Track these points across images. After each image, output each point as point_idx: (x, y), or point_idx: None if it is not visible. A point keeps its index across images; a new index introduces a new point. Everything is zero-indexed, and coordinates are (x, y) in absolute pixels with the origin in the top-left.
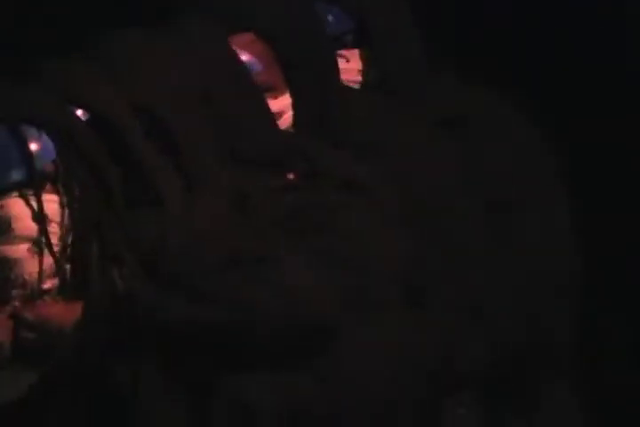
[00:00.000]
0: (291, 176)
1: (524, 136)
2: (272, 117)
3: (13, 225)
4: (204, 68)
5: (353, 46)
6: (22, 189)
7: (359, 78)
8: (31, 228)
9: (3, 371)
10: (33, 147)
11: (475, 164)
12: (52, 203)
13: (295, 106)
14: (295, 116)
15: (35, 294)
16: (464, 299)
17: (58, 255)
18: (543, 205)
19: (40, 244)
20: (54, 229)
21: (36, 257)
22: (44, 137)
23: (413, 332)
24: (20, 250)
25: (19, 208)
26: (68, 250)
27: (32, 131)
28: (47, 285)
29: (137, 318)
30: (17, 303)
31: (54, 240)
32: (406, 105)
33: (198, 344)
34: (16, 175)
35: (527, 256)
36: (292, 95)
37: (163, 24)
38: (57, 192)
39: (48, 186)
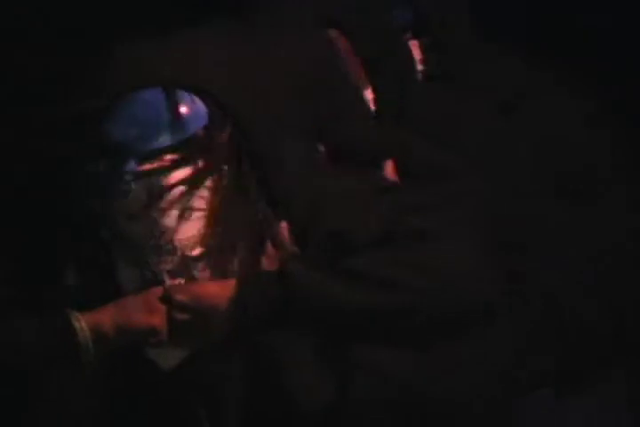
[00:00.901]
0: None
1: (585, 120)
2: (370, 112)
3: (163, 189)
4: (299, 62)
5: (413, 37)
6: (174, 153)
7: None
8: (180, 192)
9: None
10: (185, 111)
11: (539, 148)
12: (201, 168)
13: (378, 100)
14: (378, 111)
15: (183, 262)
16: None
17: (206, 222)
18: (606, 187)
19: (190, 210)
20: (203, 194)
21: (185, 223)
22: (198, 103)
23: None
24: (171, 216)
25: (170, 173)
26: (217, 215)
27: (184, 95)
28: (196, 252)
29: (291, 296)
30: (168, 283)
31: (203, 206)
32: (466, 92)
33: (349, 323)
34: (167, 139)
35: (601, 241)
36: (375, 90)
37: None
38: (207, 158)
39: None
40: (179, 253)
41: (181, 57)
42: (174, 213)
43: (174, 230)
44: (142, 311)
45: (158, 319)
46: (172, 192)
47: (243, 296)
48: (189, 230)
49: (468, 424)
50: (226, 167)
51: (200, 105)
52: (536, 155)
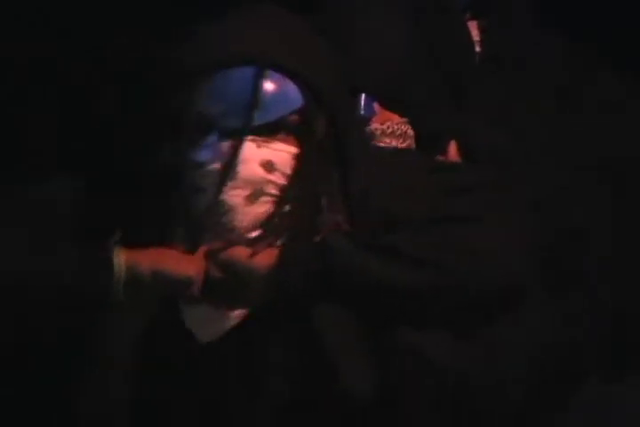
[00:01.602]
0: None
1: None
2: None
3: (239, 167)
4: None
5: (471, 17)
6: (257, 133)
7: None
8: (255, 173)
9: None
10: (274, 92)
11: (591, 135)
12: (284, 153)
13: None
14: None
15: (239, 242)
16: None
17: (272, 207)
18: None
19: (260, 193)
20: (278, 180)
21: (251, 206)
22: (289, 85)
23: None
24: (240, 196)
25: (248, 151)
26: (286, 203)
27: (275, 76)
28: (253, 234)
29: (331, 270)
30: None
31: (274, 190)
32: (523, 75)
33: (388, 302)
34: (254, 119)
35: None
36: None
37: None
38: (292, 143)
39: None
40: (236, 232)
41: (265, 35)
42: (243, 193)
43: (238, 211)
44: (181, 261)
45: (194, 270)
46: (246, 172)
47: (283, 265)
48: (253, 213)
49: (506, 411)
50: (311, 156)
51: (291, 88)
52: (587, 142)
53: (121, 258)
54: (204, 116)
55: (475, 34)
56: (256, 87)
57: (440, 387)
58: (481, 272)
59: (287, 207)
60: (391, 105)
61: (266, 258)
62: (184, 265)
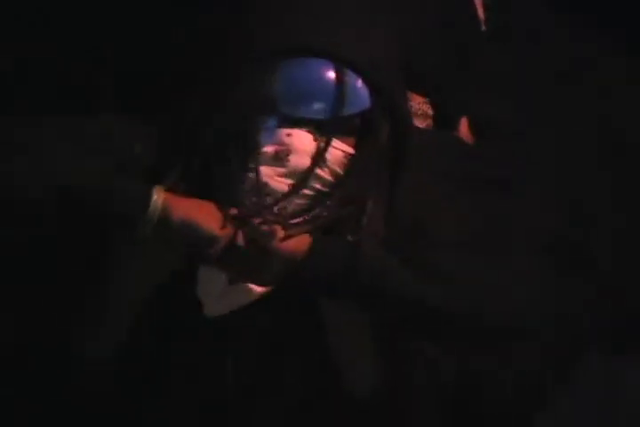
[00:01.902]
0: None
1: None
2: None
3: (290, 156)
4: None
5: None
6: (318, 127)
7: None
8: (304, 165)
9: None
10: (348, 90)
11: (594, 116)
12: (339, 151)
13: None
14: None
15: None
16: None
17: (314, 200)
18: None
19: (303, 185)
20: (325, 175)
21: (293, 194)
22: (363, 86)
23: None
24: (282, 182)
25: (303, 142)
26: (328, 199)
27: (351, 75)
28: (291, 221)
29: (354, 266)
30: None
31: (319, 185)
32: (526, 55)
33: (401, 314)
34: (319, 112)
35: None
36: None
37: None
38: (350, 143)
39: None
40: (275, 216)
41: (345, 30)
42: (288, 181)
43: (277, 197)
44: (213, 218)
45: (222, 231)
46: (295, 162)
47: (310, 255)
48: (294, 202)
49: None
50: (367, 159)
51: (363, 89)
52: (583, 124)
53: (160, 196)
54: (269, 99)
55: (480, 12)
56: (336, 82)
57: (444, 388)
58: (500, 310)
59: (329, 203)
60: (411, 83)
61: (296, 244)
62: (214, 223)
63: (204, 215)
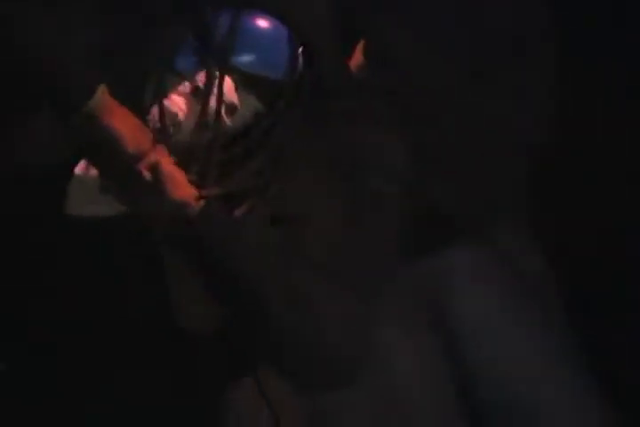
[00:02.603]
0: None
1: None
2: None
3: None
4: None
5: None
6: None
7: None
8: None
9: None
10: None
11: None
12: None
13: None
14: None
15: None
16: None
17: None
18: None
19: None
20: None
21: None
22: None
23: None
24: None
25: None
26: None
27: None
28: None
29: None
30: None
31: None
32: None
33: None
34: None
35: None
36: None
37: None
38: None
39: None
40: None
41: None
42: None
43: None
44: (143, 135)
45: (141, 150)
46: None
47: (198, 211)
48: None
49: None
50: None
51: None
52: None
53: (105, 93)
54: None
55: None
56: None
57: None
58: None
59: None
60: None
61: (190, 197)
62: (142, 139)
63: (131, 128)
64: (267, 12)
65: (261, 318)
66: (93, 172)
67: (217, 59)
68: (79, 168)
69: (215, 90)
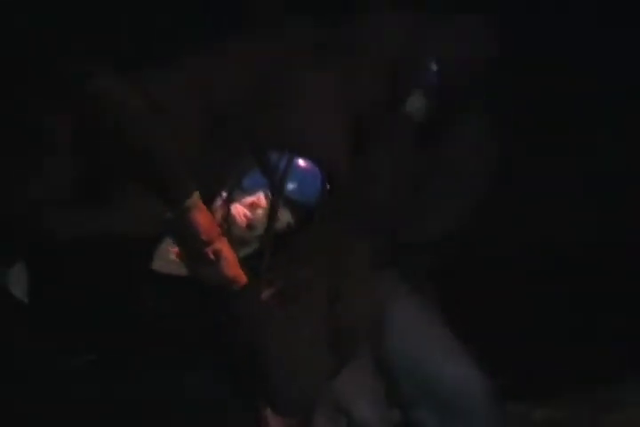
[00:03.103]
0: None
1: None
2: None
3: (258, 210)
4: None
5: None
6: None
7: None
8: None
9: None
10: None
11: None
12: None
13: None
14: None
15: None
16: None
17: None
18: None
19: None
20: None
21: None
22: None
23: None
24: (245, 226)
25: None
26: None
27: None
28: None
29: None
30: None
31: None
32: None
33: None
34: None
35: None
36: None
37: None
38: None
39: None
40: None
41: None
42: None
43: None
44: (214, 231)
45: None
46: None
47: (239, 289)
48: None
49: None
50: None
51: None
52: None
53: (196, 198)
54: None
55: None
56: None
57: None
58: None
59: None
60: None
61: (238, 278)
62: (209, 231)
63: (210, 222)
64: (308, 157)
65: (258, 371)
66: (170, 250)
67: (273, 186)
68: (160, 250)
69: (269, 206)
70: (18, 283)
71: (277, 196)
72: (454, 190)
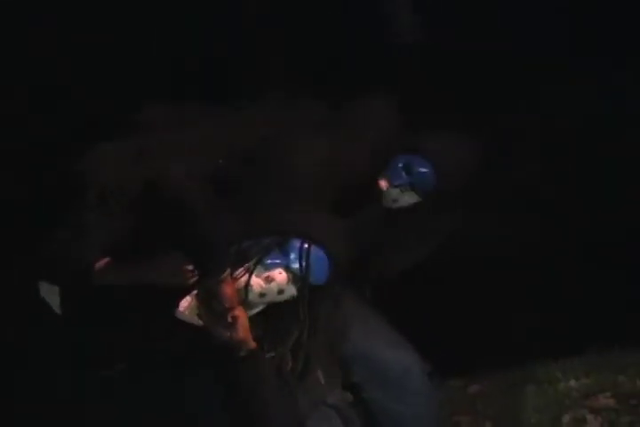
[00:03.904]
0: None
1: None
2: None
3: (273, 284)
4: None
5: None
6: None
7: None
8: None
9: None
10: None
11: None
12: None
13: None
14: None
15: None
16: None
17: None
18: None
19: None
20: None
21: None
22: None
23: None
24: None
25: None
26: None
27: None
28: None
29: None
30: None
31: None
32: None
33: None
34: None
35: None
36: None
37: None
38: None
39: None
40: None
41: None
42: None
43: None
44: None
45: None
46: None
47: (246, 352)
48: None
49: None
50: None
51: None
52: None
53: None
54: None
55: None
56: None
57: None
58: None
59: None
60: None
61: (246, 340)
62: (231, 300)
63: (232, 292)
64: (319, 245)
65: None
66: (193, 305)
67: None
68: (185, 302)
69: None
70: (52, 294)
71: (304, 283)
72: (412, 244)
